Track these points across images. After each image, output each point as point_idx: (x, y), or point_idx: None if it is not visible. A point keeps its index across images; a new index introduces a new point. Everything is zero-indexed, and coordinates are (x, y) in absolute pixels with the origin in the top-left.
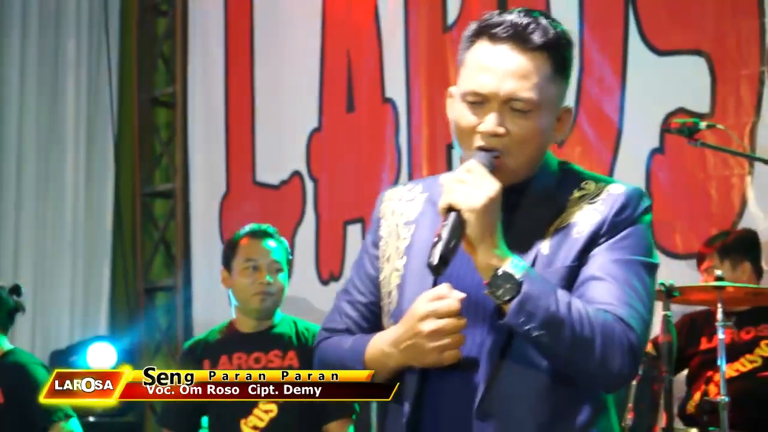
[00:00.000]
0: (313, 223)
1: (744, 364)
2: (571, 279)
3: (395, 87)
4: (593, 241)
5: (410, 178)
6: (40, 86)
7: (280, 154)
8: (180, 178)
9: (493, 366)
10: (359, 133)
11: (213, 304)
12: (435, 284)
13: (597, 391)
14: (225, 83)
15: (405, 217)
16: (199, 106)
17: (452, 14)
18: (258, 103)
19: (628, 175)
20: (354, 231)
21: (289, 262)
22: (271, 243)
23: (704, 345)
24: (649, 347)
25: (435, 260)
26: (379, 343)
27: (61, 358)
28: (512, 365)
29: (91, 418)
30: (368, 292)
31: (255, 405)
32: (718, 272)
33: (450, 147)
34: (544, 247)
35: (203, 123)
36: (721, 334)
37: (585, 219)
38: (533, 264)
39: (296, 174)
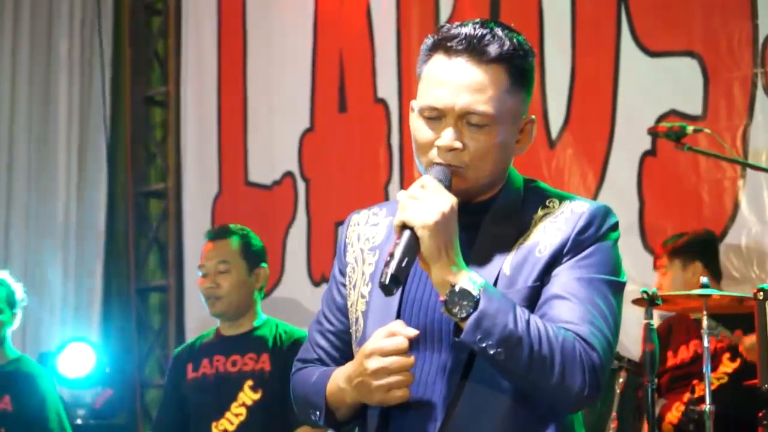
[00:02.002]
0: (305, 224)
1: (711, 383)
2: (533, 299)
3: (388, 87)
4: (556, 260)
5: (402, 178)
6: (32, 85)
7: (272, 154)
8: (173, 178)
9: (453, 387)
10: (351, 133)
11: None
12: (399, 309)
13: (559, 411)
14: (218, 83)
15: (370, 242)
16: (192, 105)
17: (445, 14)
18: (250, 104)
19: (620, 177)
20: None
21: (253, 253)
22: (218, 244)
23: (682, 354)
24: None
25: (386, 280)
26: (337, 379)
27: (50, 359)
28: (474, 386)
29: (79, 421)
30: (337, 320)
31: (227, 409)
32: (704, 279)
33: None
34: (506, 266)
35: (196, 123)
36: (706, 342)
37: (548, 238)
38: (495, 284)
39: (288, 174)
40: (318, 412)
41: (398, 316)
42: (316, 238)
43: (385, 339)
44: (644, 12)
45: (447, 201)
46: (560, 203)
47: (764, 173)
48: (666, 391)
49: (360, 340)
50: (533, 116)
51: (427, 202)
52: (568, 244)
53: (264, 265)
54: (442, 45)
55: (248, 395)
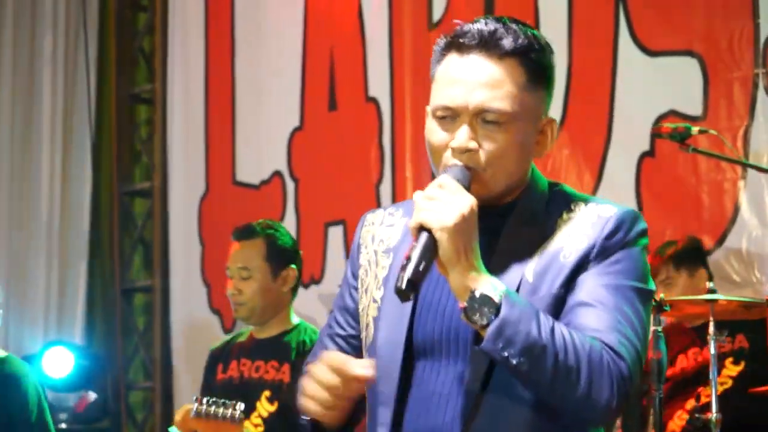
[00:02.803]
0: (294, 224)
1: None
2: (558, 307)
3: (379, 86)
4: (581, 266)
5: (394, 179)
6: (16, 83)
7: (260, 153)
8: (159, 177)
9: (472, 399)
10: (342, 132)
11: (191, 305)
12: (413, 316)
13: (584, 425)
14: (205, 81)
15: (385, 244)
16: (178, 103)
17: (438, 12)
18: (238, 102)
19: (618, 179)
20: (335, 233)
21: (280, 255)
22: (242, 245)
23: (681, 363)
24: None
25: (402, 284)
26: None
27: (32, 362)
28: (493, 398)
29: (63, 425)
30: (348, 324)
31: (248, 417)
32: (710, 284)
33: None
34: (528, 272)
35: (183, 121)
36: (713, 349)
37: (573, 243)
38: (517, 291)
39: (277, 174)
40: (304, 416)
41: (412, 323)
42: (305, 238)
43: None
44: (643, 10)
45: (467, 202)
46: (586, 207)
47: (765, 175)
48: (667, 399)
49: (370, 347)
50: (554, 117)
51: (446, 202)
52: (595, 250)
53: (294, 266)
54: (455, 43)
55: (264, 406)
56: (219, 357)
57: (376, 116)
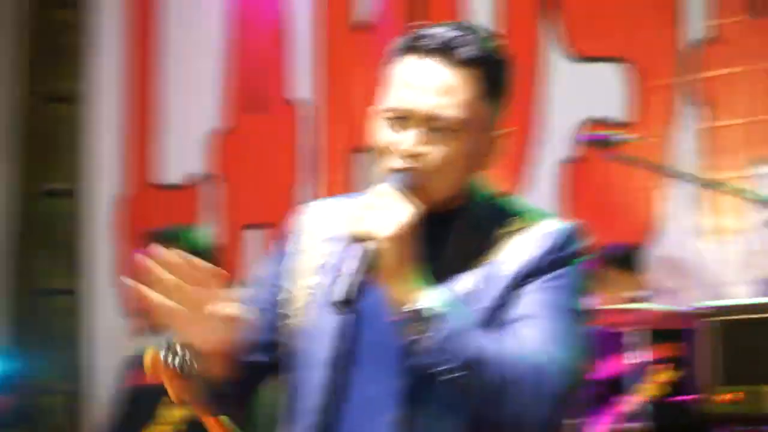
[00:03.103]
0: (212, 227)
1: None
2: (496, 320)
3: (301, 87)
4: (522, 279)
5: (314, 180)
6: None
7: (179, 154)
8: (77, 178)
9: (405, 414)
10: (262, 134)
11: (108, 307)
12: (347, 323)
13: None
14: (125, 80)
15: (325, 233)
16: (98, 103)
17: (360, 13)
18: (158, 102)
19: (540, 185)
20: (254, 236)
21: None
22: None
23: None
24: None
25: (339, 297)
26: None
27: None
28: (427, 413)
29: None
30: (265, 296)
31: (156, 422)
32: (639, 293)
33: (355, 151)
34: (470, 283)
35: (101, 121)
36: (633, 359)
37: (515, 256)
38: (457, 302)
39: (195, 175)
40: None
41: (346, 325)
42: (223, 242)
43: None
44: (568, 16)
45: (406, 212)
46: (531, 220)
47: (688, 183)
48: (588, 407)
49: (296, 333)
50: (506, 130)
51: (385, 212)
52: (537, 264)
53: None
54: (413, 46)
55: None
56: (136, 361)
57: (297, 118)
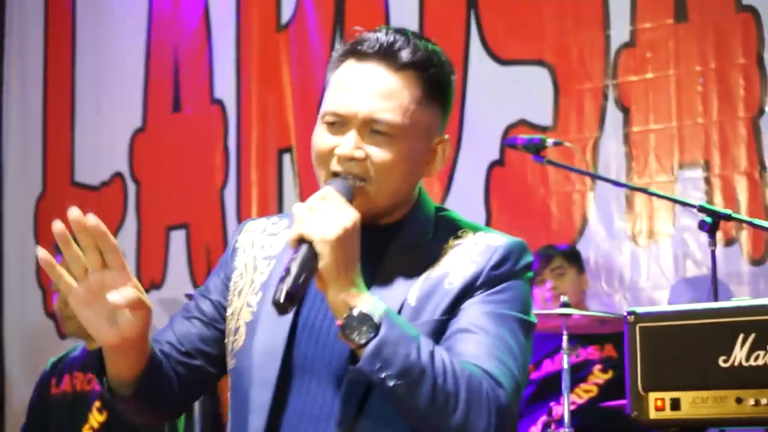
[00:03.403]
0: (134, 227)
1: (580, 395)
2: (439, 333)
3: (225, 87)
4: (466, 293)
5: (239, 182)
6: None
7: (100, 154)
8: None
9: (347, 422)
10: (186, 134)
11: (27, 309)
12: (294, 324)
13: None
14: (43, 78)
15: (265, 251)
16: (15, 101)
17: (286, 14)
18: (78, 100)
19: (467, 187)
20: (177, 237)
21: None
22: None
23: (547, 367)
24: None
25: (281, 297)
26: None
27: None
28: (368, 422)
29: None
30: (210, 312)
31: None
32: (564, 299)
33: (281, 152)
34: (411, 296)
35: (19, 119)
36: (565, 363)
37: (459, 270)
38: (399, 314)
39: (117, 175)
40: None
41: (290, 341)
42: (146, 242)
43: None
44: (494, 19)
45: (349, 215)
46: (474, 235)
47: (613, 187)
48: (526, 405)
49: (238, 352)
50: (447, 136)
51: (328, 215)
52: (481, 278)
53: None
54: (353, 50)
55: (95, 417)
56: (53, 372)
57: (222, 118)
